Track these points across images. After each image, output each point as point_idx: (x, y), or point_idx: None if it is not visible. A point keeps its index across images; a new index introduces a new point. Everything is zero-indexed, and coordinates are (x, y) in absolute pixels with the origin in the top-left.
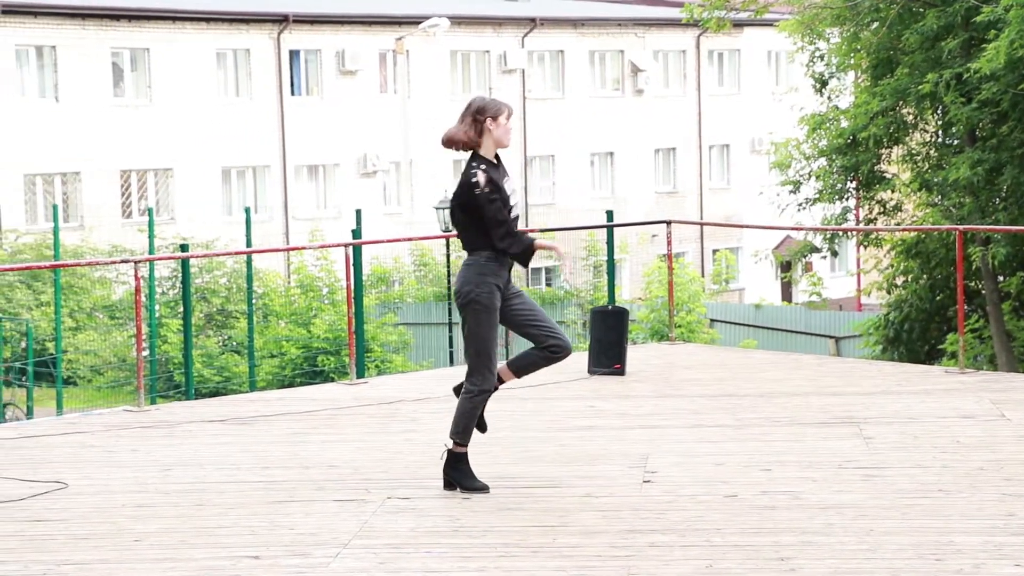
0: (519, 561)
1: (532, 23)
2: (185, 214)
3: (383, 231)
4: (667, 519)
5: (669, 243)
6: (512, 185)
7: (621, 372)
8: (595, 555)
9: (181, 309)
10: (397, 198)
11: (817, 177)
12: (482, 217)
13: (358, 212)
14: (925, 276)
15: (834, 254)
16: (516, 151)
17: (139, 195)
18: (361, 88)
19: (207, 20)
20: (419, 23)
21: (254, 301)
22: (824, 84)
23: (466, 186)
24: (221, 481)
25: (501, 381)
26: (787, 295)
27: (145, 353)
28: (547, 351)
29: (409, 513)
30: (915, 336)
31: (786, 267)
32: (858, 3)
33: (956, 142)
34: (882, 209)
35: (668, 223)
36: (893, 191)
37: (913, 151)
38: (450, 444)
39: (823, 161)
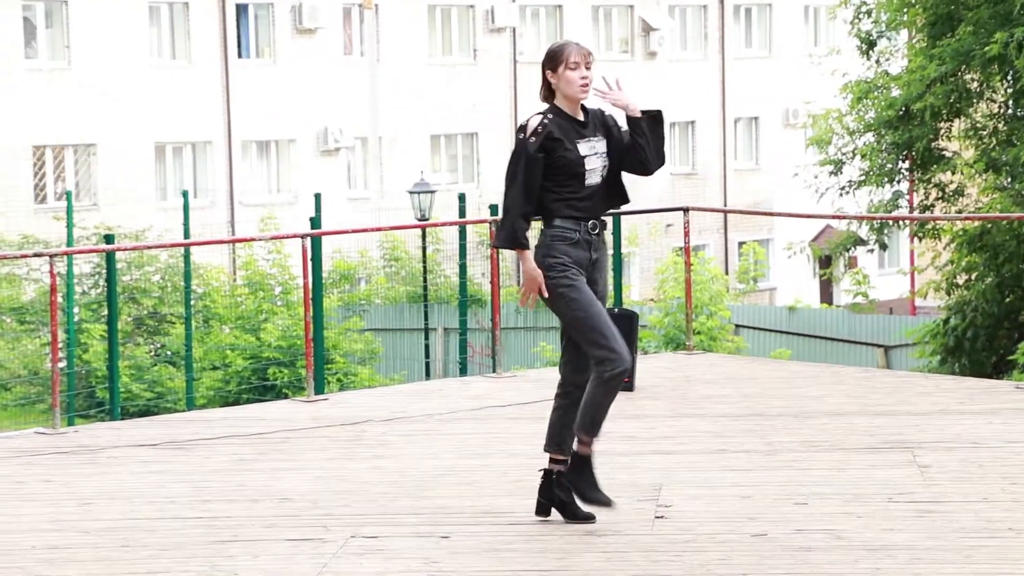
0: None
1: None
2: (110, 199)
3: (347, 219)
4: (684, 562)
5: (687, 234)
6: (600, 147)
7: (630, 387)
8: None
9: (105, 312)
10: (364, 180)
11: (863, 156)
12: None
13: (317, 197)
14: (992, 274)
15: (883, 247)
16: (505, 124)
17: (55, 176)
18: (321, 50)
19: None
20: None
21: (193, 303)
22: (872, 45)
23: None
24: (152, 517)
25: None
26: (827, 296)
27: (62, 364)
28: (597, 371)
29: (376, 555)
30: (980, 345)
31: (825, 263)
32: None
33: None
34: (941, 194)
35: (685, 210)
36: (954, 172)
37: (978, 125)
38: (558, 455)
39: (870, 137)
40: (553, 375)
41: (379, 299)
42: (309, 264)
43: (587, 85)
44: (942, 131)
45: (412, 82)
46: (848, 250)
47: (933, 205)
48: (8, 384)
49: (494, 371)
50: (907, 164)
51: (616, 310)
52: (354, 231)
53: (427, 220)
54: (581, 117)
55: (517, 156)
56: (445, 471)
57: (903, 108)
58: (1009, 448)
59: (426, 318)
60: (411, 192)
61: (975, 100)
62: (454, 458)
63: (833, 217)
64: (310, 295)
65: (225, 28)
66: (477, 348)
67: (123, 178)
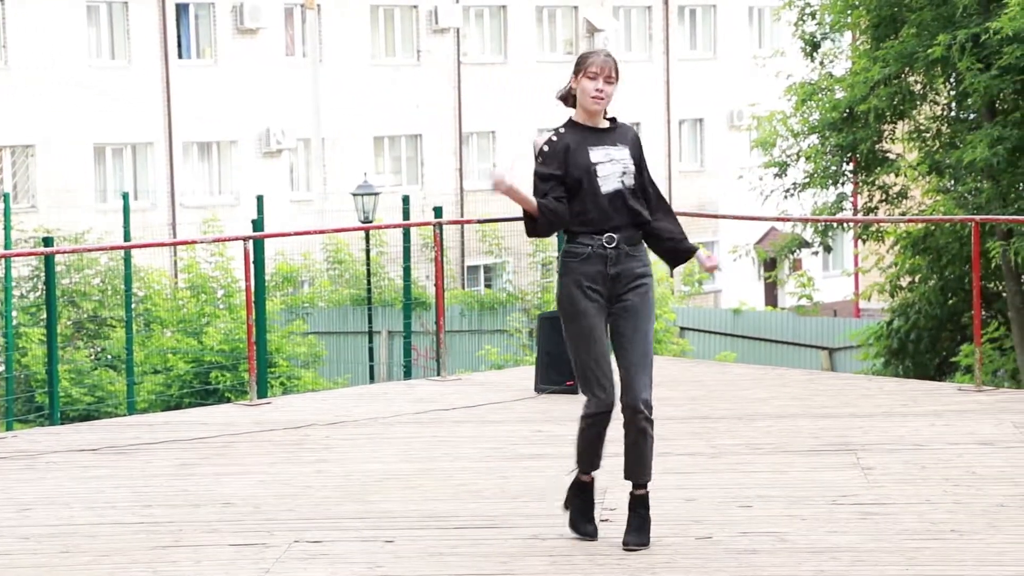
0: None
1: None
2: (49, 201)
3: (290, 221)
4: (628, 565)
5: None
6: (619, 154)
7: (575, 390)
8: None
9: (44, 316)
10: (306, 182)
11: (807, 158)
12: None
13: (259, 199)
14: (935, 276)
15: (827, 250)
16: (449, 126)
17: None
18: (263, 50)
19: None
20: None
21: (133, 306)
22: (815, 47)
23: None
24: (92, 523)
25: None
26: (772, 299)
27: (0, 368)
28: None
29: (320, 560)
30: (923, 347)
31: (770, 265)
32: None
33: (972, 116)
34: (884, 196)
35: None
36: (897, 175)
37: (921, 127)
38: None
39: (814, 139)
40: (497, 378)
41: (322, 302)
42: (251, 267)
43: (600, 98)
44: (886, 133)
45: (355, 83)
46: (793, 252)
47: (877, 207)
48: None
49: (439, 374)
50: (851, 166)
51: None
52: (297, 233)
53: (371, 222)
54: (603, 125)
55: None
56: (389, 475)
57: (847, 110)
58: (951, 450)
59: (370, 321)
60: (354, 194)
61: (918, 102)
62: (398, 462)
63: (778, 220)
64: (252, 298)
65: (165, 28)
66: (421, 351)
67: (62, 180)
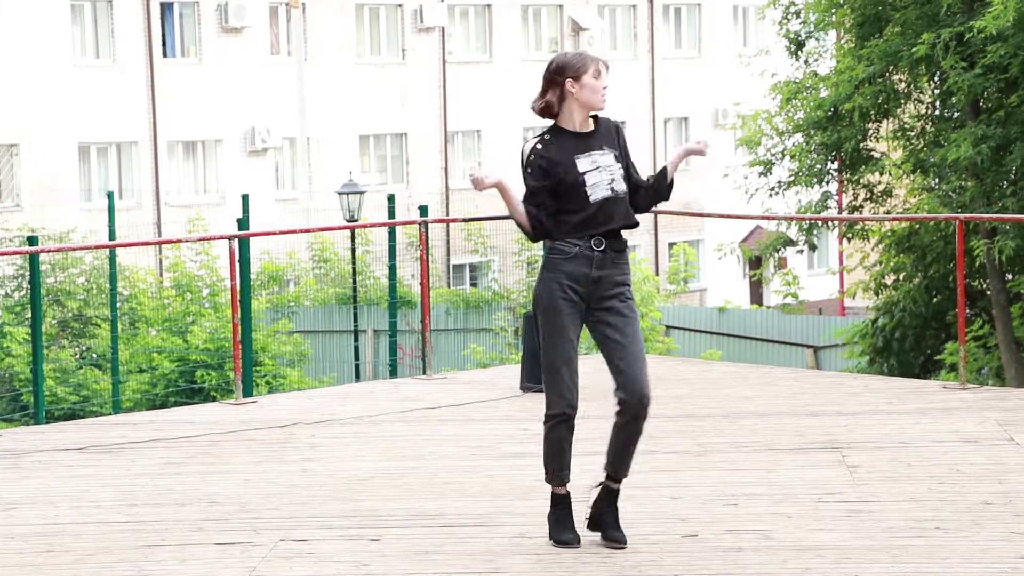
0: None
1: None
2: (34, 200)
3: (275, 220)
4: (614, 564)
5: None
6: (605, 160)
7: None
8: None
9: (28, 315)
10: (292, 181)
11: (792, 156)
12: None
13: (245, 198)
14: (920, 274)
15: (812, 248)
16: (434, 124)
17: None
18: (248, 49)
19: None
20: None
21: (118, 305)
22: (800, 46)
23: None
24: (78, 522)
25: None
26: (757, 297)
27: None
28: (616, 409)
29: (306, 558)
30: (908, 345)
31: (756, 264)
32: None
33: (956, 115)
34: (869, 195)
35: None
36: (882, 173)
37: (906, 126)
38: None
39: (799, 137)
40: (483, 376)
41: (308, 301)
42: (237, 266)
43: (605, 97)
44: (870, 132)
45: (340, 82)
46: (778, 251)
47: (862, 206)
48: None
49: (424, 373)
50: (836, 165)
51: None
52: (282, 232)
53: (356, 221)
54: (588, 128)
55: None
56: (375, 473)
57: (832, 109)
58: (936, 448)
59: (355, 320)
60: (340, 193)
61: (903, 101)
62: (384, 460)
63: (763, 218)
64: (238, 297)
65: (150, 26)
66: (407, 350)
67: (47, 179)
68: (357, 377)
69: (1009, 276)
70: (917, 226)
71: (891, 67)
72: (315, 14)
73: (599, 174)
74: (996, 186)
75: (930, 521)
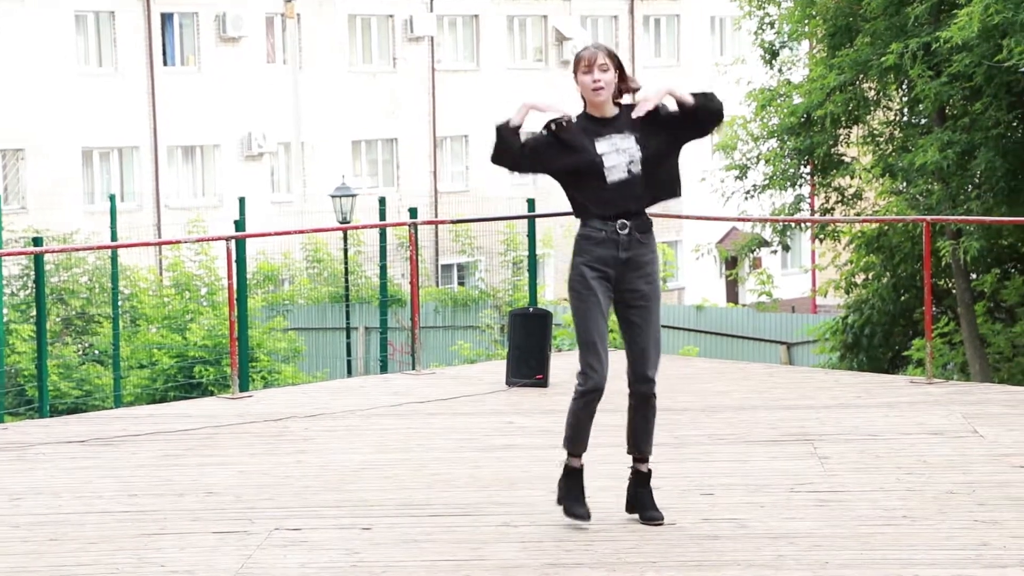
0: None
1: None
2: (39, 202)
3: (270, 222)
4: (595, 551)
5: None
6: (625, 143)
7: (544, 383)
8: None
9: (34, 313)
10: (287, 184)
11: (766, 161)
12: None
13: (241, 200)
14: (888, 274)
15: (786, 249)
16: (424, 130)
17: None
18: (245, 58)
19: None
20: None
21: (120, 303)
22: (774, 55)
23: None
24: (80, 511)
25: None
26: (733, 296)
27: None
28: (628, 391)
29: (300, 547)
30: (877, 342)
31: (731, 263)
32: None
33: (924, 121)
34: (840, 197)
35: None
36: (852, 177)
37: (875, 132)
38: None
39: (773, 143)
40: (470, 372)
41: (302, 299)
42: (234, 265)
43: (600, 88)
44: (841, 137)
45: (333, 89)
46: (753, 251)
47: (833, 208)
48: None
49: (414, 368)
50: (808, 169)
51: (531, 309)
52: (277, 233)
53: (348, 223)
54: (610, 114)
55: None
56: (366, 465)
57: (804, 115)
58: (904, 440)
59: (348, 317)
60: (333, 196)
61: (872, 108)
62: (375, 453)
63: (738, 220)
64: (235, 295)
65: (151, 36)
66: (397, 346)
67: (51, 182)
68: (349, 372)
69: (973, 276)
70: (886, 228)
71: (861, 75)
72: (309, 24)
73: (617, 156)
74: (961, 189)
75: (898, 510)
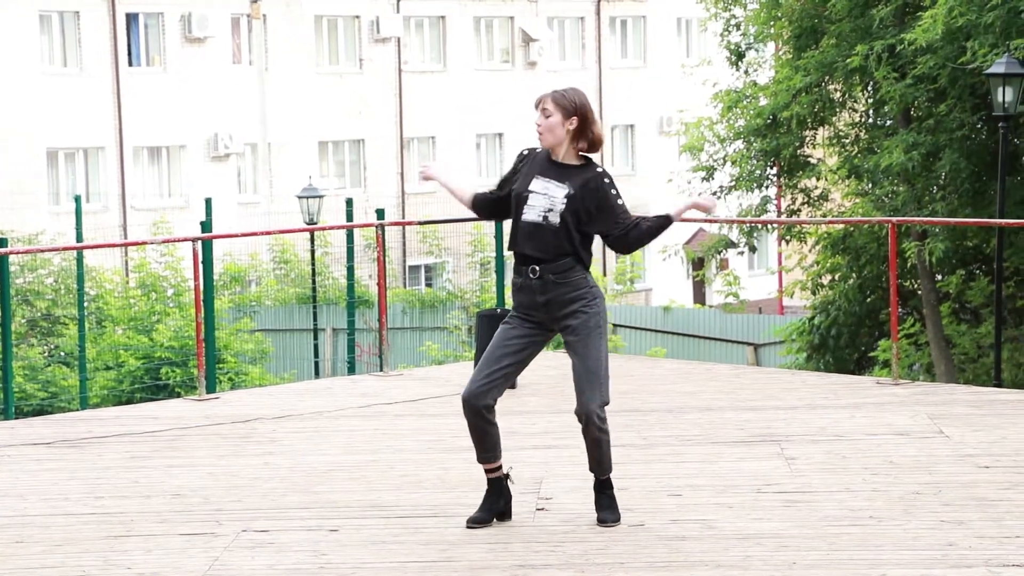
0: None
1: None
2: (3, 203)
3: (237, 223)
4: (564, 552)
5: None
6: (556, 191)
7: (512, 385)
8: None
9: None
10: (253, 185)
11: (733, 162)
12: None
13: (208, 201)
14: (854, 275)
15: (752, 250)
16: (391, 131)
17: None
18: (211, 58)
19: None
20: None
21: (86, 304)
22: (740, 57)
23: None
24: (46, 514)
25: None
26: (700, 296)
27: None
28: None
29: (267, 548)
30: (843, 343)
31: (698, 264)
32: None
33: (889, 123)
34: (806, 199)
35: None
36: (818, 178)
37: (841, 133)
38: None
39: (740, 144)
40: (438, 373)
41: (269, 300)
42: (200, 267)
43: (539, 132)
44: (807, 139)
45: (300, 90)
46: (720, 252)
47: (799, 209)
48: None
49: (381, 370)
50: (775, 170)
51: (499, 310)
52: (244, 235)
53: (315, 224)
54: (563, 160)
55: None
56: (334, 467)
57: (771, 117)
58: (870, 440)
59: (315, 319)
60: (300, 197)
61: (838, 109)
62: (343, 454)
63: (705, 221)
64: (201, 297)
65: (116, 36)
66: (365, 347)
67: (16, 183)
68: (316, 374)
69: (939, 277)
70: (852, 229)
71: (827, 77)
72: (275, 25)
73: (541, 199)
74: (926, 191)
75: (864, 510)
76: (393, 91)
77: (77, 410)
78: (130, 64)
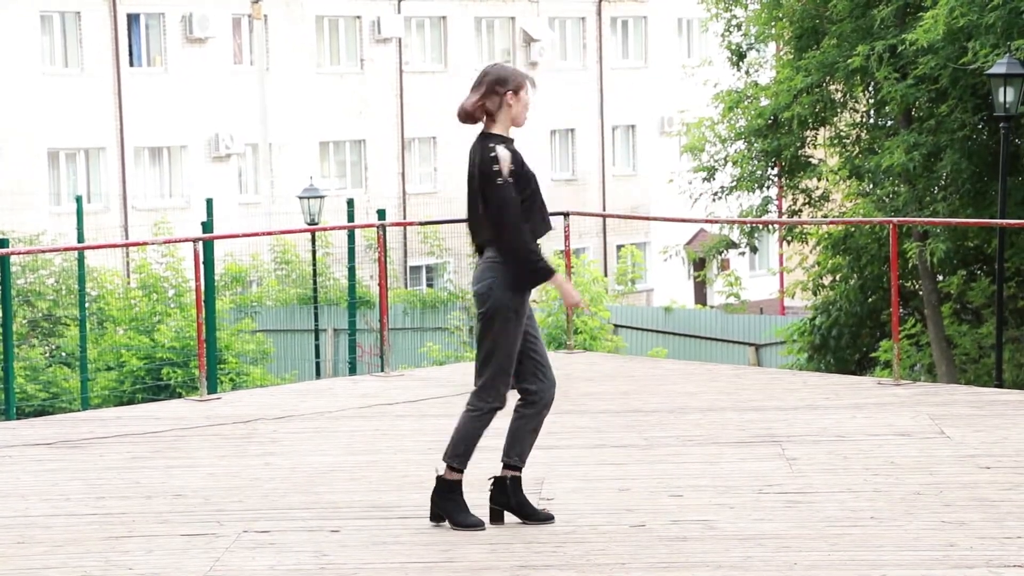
0: None
1: None
2: (4, 203)
3: (238, 223)
4: (565, 553)
5: (567, 238)
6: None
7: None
8: None
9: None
10: (254, 185)
11: (734, 163)
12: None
13: (209, 202)
14: (855, 275)
15: (754, 250)
16: (392, 131)
17: None
18: (212, 59)
19: None
20: None
21: (87, 305)
22: (741, 57)
23: (488, 166)
24: (47, 514)
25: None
26: (701, 297)
27: None
28: (522, 399)
29: (268, 549)
30: (844, 343)
31: (700, 265)
32: None
33: (890, 123)
34: (807, 199)
35: (566, 215)
36: (820, 179)
37: (842, 133)
38: (442, 469)
39: (741, 144)
40: (439, 374)
41: (270, 301)
42: (202, 267)
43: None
44: (808, 139)
45: (301, 90)
46: (721, 253)
47: (800, 210)
48: None
49: (382, 370)
50: (776, 171)
51: None
52: (245, 235)
53: (316, 224)
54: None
55: (505, 199)
56: (335, 467)
57: (772, 117)
58: (871, 441)
59: (316, 319)
60: (301, 197)
61: (839, 110)
62: (343, 455)
63: (707, 221)
64: (203, 297)
65: (117, 37)
66: (366, 348)
67: (17, 183)
68: (318, 374)
69: (940, 277)
70: (853, 229)
71: (828, 78)
72: (276, 25)
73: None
74: (928, 191)
75: (865, 511)
76: (394, 91)
77: (78, 411)
78: (131, 64)
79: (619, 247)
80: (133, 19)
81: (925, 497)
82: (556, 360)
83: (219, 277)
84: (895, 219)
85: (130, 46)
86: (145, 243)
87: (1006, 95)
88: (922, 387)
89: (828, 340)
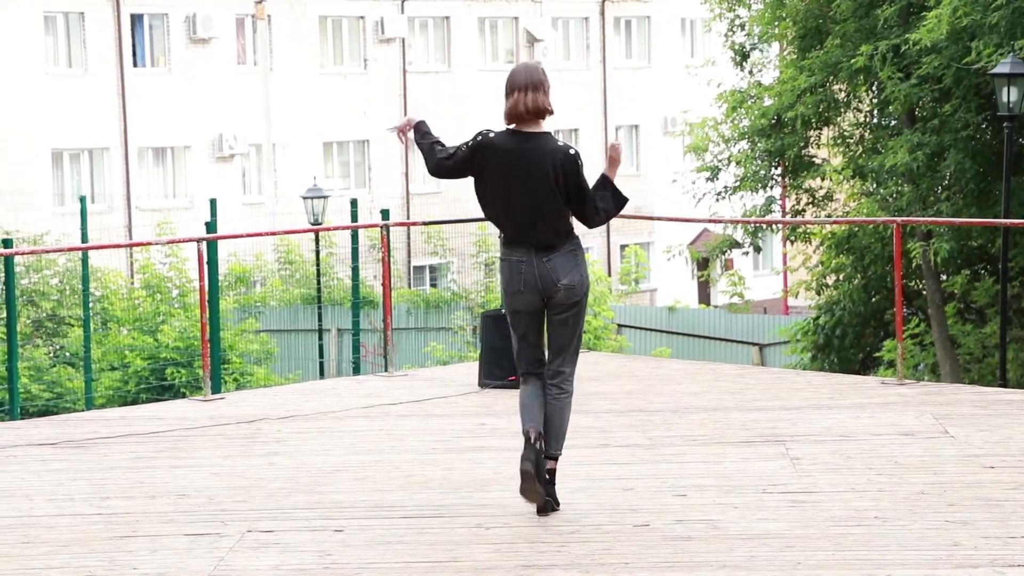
0: None
1: None
2: (8, 204)
3: (242, 224)
4: (569, 552)
5: None
6: None
7: (516, 385)
8: None
9: (3, 315)
10: (258, 186)
11: (737, 163)
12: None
13: (213, 202)
14: (859, 275)
15: (757, 250)
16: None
17: None
18: (215, 59)
19: None
20: None
21: (91, 305)
22: (745, 57)
23: (572, 162)
24: (52, 514)
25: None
26: (705, 297)
27: None
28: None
29: (272, 548)
30: (848, 343)
31: (703, 265)
32: None
33: (893, 123)
34: (811, 199)
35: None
36: (823, 178)
37: (845, 133)
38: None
39: (744, 144)
40: (442, 373)
41: (274, 301)
42: (205, 267)
43: None
44: (812, 139)
45: (305, 90)
46: (724, 253)
47: (804, 209)
48: None
49: (386, 370)
50: (779, 170)
51: (503, 311)
52: (249, 235)
53: (320, 224)
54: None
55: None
56: (339, 467)
57: (775, 117)
58: (875, 440)
59: (320, 319)
60: (304, 197)
61: (842, 110)
62: (347, 454)
63: (710, 221)
64: (206, 297)
65: (120, 37)
66: (369, 348)
67: (21, 184)
68: (321, 374)
69: (944, 277)
70: (856, 229)
71: (831, 77)
72: (280, 25)
73: None
74: (931, 191)
75: (869, 511)
76: (397, 91)
77: (82, 411)
78: (135, 65)
79: (623, 247)
80: (137, 19)
81: (929, 497)
82: None
83: (223, 277)
84: (899, 219)
85: (134, 46)
86: (149, 243)
87: (1010, 95)
88: (926, 387)
89: (832, 340)
